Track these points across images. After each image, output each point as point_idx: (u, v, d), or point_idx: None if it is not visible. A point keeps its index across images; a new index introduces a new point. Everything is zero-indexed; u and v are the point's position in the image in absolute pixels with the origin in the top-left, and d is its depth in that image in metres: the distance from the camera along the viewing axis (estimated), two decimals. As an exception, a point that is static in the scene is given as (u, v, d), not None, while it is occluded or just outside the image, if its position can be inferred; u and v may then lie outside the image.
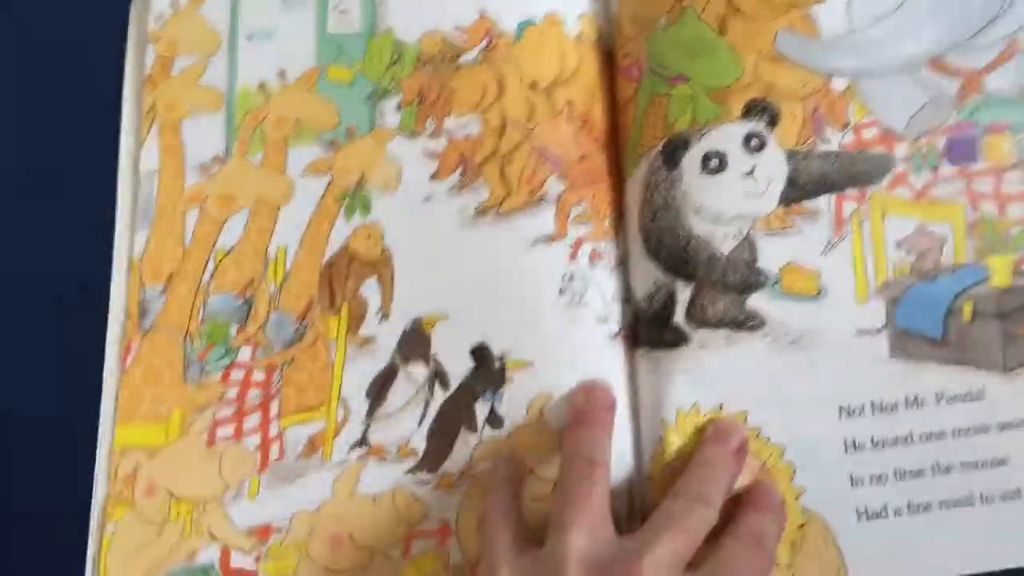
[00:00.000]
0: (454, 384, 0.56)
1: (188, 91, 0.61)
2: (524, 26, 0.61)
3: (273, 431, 0.56)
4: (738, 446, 0.53)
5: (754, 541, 0.50)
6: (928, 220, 0.55)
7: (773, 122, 0.57)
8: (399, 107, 0.60)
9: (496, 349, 0.56)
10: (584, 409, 0.54)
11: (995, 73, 0.56)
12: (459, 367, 0.56)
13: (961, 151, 0.55)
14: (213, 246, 0.59)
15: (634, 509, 0.54)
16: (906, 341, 0.54)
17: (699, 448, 0.53)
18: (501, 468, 0.54)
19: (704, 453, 0.53)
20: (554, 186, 0.58)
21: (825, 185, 0.56)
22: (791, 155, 0.56)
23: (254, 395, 0.57)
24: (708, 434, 0.54)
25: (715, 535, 0.50)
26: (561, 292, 0.56)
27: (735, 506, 0.52)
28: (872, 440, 0.54)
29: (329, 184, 0.59)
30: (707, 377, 0.55)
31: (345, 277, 0.58)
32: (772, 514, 0.52)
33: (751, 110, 0.57)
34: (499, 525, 0.50)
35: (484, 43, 0.61)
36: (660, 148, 0.58)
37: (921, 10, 0.57)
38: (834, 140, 0.56)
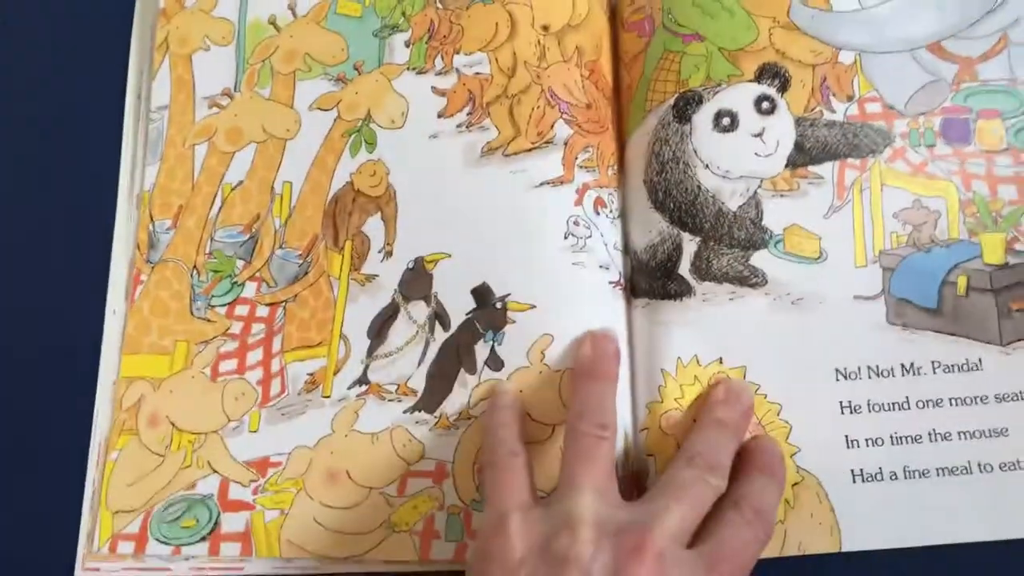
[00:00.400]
0: (455, 325, 0.56)
1: (200, 24, 0.62)
2: (537, -33, 0.61)
3: (275, 367, 0.56)
4: (748, 407, 0.53)
5: (755, 513, 0.49)
6: (924, 195, 0.56)
7: (784, 87, 0.58)
8: (408, 43, 0.60)
9: (498, 290, 0.56)
10: (591, 360, 0.53)
11: (988, 63, 0.58)
12: (460, 307, 0.56)
13: (956, 133, 0.57)
14: (221, 180, 0.59)
15: (628, 459, 0.54)
16: (903, 309, 0.55)
17: (708, 408, 0.53)
18: (502, 410, 0.53)
19: (715, 414, 0.53)
20: (562, 130, 0.58)
21: (829, 153, 0.57)
22: (799, 121, 0.58)
23: (258, 330, 0.57)
24: (718, 394, 0.54)
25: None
26: (566, 236, 0.56)
27: (738, 461, 0.52)
28: (868, 404, 0.54)
29: (336, 119, 0.60)
30: (709, 330, 0.55)
31: (349, 214, 0.58)
32: (774, 478, 0.51)
33: (764, 73, 0.58)
34: (505, 471, 0.50)
35: (499, -19, 0.61)
36: (672, 103, 0.58)
37: None
38: (839, 111, 0.58)
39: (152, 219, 0.59)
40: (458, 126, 0.58)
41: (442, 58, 0.60)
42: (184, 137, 0.60)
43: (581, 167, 0.57)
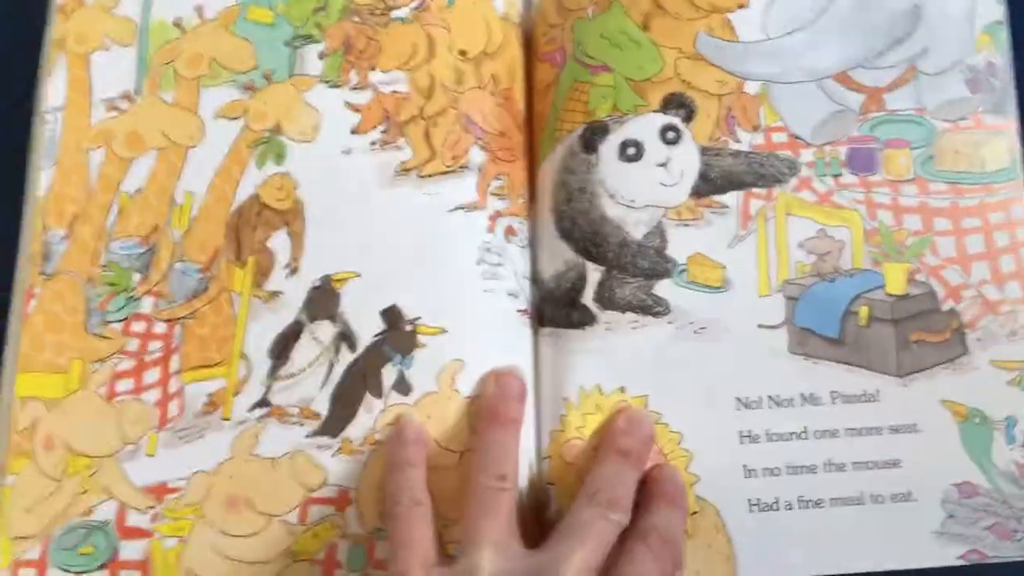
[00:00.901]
0: (361, 346, 0.55)
1: (100, 22, 0.59)
2: (458, -7, 0.60)
3: (173, 387, 0.55)
4: (648, 435, 0.53)
5: (661, 542, 0.50)
6: (829, 224, 0.57)
7: (689, 117, 0.58)
8: (322, 55, 0.58)
9: (408, 313, 0.55)
10: (495, 400, 0.53)
11: (896, 92, 0.59)
12: (368, 329, 0.55)
13: (862, 162, 0.58)
14: (118, 188, 0.57)
15: (532, 487, 0.54)
16: (805, 338, 0.56)
17: (609, 437, 0.53)
18: (407, 447, 0.53)
19: (615, 444, 0.53)
20: (477, 155, 0.57)
21: (734, 182, 0.58)
22: (704, 150, 0.58)
23: (155, 348, 0.55)
24: (619, 423, 0.54)
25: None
26: (478, 262, 0.56)
27: (641, 490, 0.52)
28: (767, 433, 0.55)
29: (243, 128, 0.58)
30: (611, 359, 0.56)
31: (253, 227, 0.56)
32: (677, 508, 0.52)
33: (669, 103, 0.58)
34: (408, 525, 0.50)
35: (417, 2, 0.59)
36: (580, 133, 0.58)
37: (832, 26, 0.60)
38: (745, 140, 0.58)
39: (46, 228, 0.56)
40: (372, 143, 0.57)
41: (357, 73, 0.58)
42: (79, 141, 0.57)
43: (494, 194, 0.57)
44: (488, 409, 0.53)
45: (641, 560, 0.49)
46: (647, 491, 0.52)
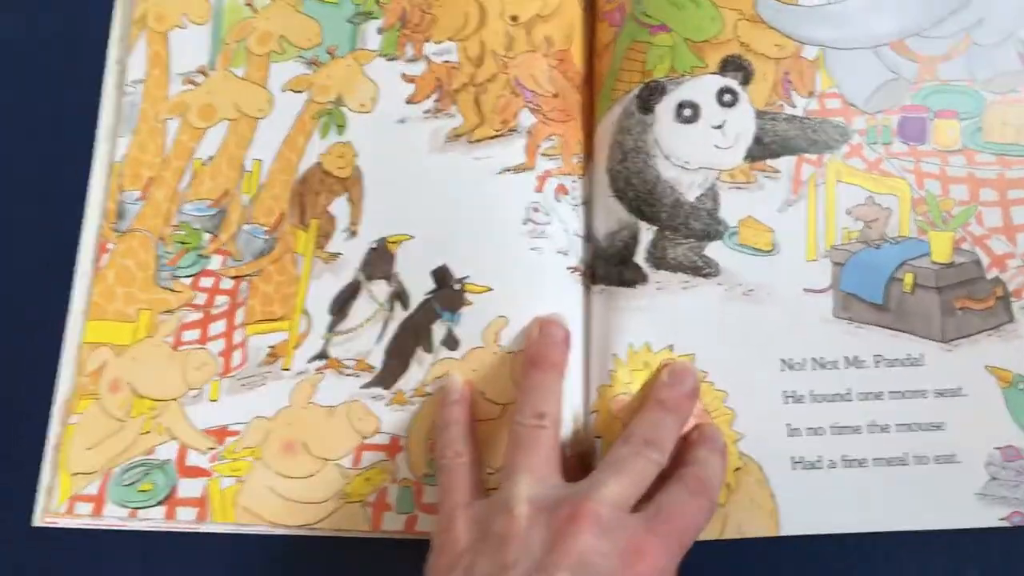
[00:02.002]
0: (414, 304, 0.57)
1: (178, 2, 0.63)
2: (509, -41, 0.62)
3: (237, 338, 0.58)
4: (691, 389, 0.54)
5: (698, 486, 0.51)
6: (877, 192, 0.57)
7: (747, 80, 0.59)
8: (380, 30, 0.61)
9: (457, 272, 0.57)
10: (538, 347, 0.55)
11: (949, 62, 0.59)
12: (420, 288, 0.57)
13: (912, 131, 0.58)
14: (192, 155, 0.60)
15: (579, 440, 0.56)
16: (850, 303, 0.56)
17: (654, 389, 0.55)
18: (452, 407, 0.55)
19: (658, 395, 0.54)
20: (526, 118, 0.59)
21: (788, 147, 0.58)
22: (760, 114, 0.59)
23: (221, 302, 0.58)
24: (663, 376, 0.55)
25: (662, 477, 0.51)
26: (524, 222, 0.57)
27: (682, 445, 0.53)
28: (811, 394, 0.55)
29: (307, 101, 0.61)
30: (661, 317, 0.57)
31: (316, 193, 0.59)
32: (715, 451, 0.53)
33: (727, 66, 0.59)
34: (452, 472, 0.52)
35: (471, -28, 0.62)
36: (636, 93, 0.59)
37: None
38: (800, 105, 0.59)
39: (121, 189, 0.60)
40: (425, 112, 0.60)
41: (412, 46, 0.61)
42: (157, 111, 0.61)
43: (544, 155, 0.59)
44: (531, 354, 0.55)
45: (676, 493, 0.50)
46: (687, 441, 0.54)
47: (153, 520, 0.56)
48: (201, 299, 0.58)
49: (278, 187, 0.60)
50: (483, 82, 0.60)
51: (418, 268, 0.58)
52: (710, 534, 0.53)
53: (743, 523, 0.54)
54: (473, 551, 0.48)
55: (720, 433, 0.54)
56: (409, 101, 0.60)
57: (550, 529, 0.47)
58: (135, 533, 0.56)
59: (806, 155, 0.58)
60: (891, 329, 0.56)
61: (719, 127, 0.58)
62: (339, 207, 0.59)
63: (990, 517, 0.53)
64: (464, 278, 0.57)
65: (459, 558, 0.48)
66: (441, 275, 0.57)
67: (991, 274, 0.56)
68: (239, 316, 0.58)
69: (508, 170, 0.58)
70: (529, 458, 0.51)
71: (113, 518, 0.56)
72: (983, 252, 0.56)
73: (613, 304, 0.57)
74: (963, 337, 0.55)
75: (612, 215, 0.59)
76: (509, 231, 0.57)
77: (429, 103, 0.60)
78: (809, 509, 0.54)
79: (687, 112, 0.58)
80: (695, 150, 0.58)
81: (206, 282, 0.59)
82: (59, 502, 0.56)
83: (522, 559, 0.46)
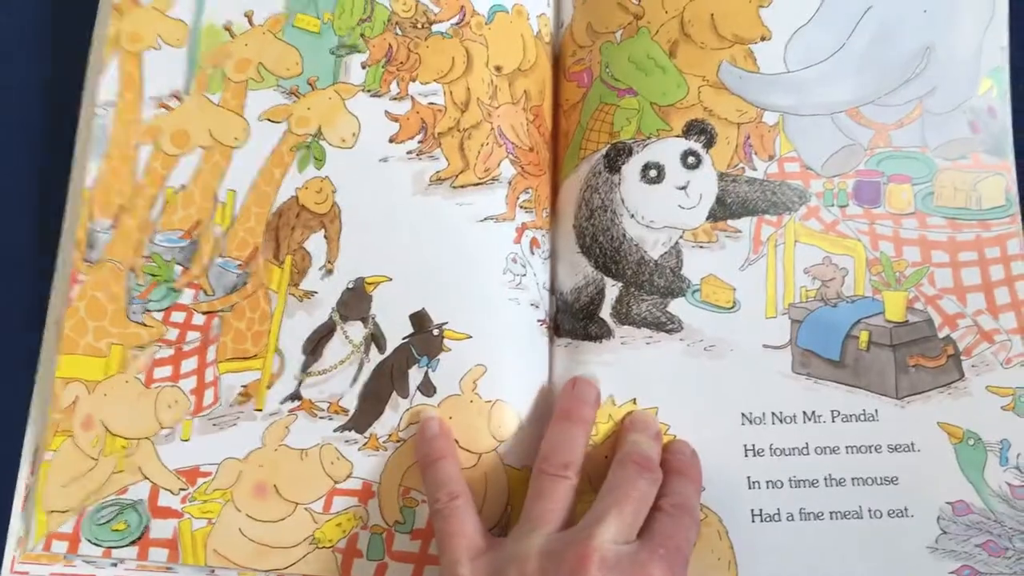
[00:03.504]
0: (390, 347, 0.57)
1: (154, 23, 0.60)
2: (495, 10, 0.62)
3: (209, 376, 0.57)
4: (655, 433, 0.56)
5: (674, 508, 0.53)
6: (834, 252, 0.60)
7: (710, 143, 0.61)
8: (365, 64, 0.60)
9: (436, 317, 0.57)
10: (571, 402, 0.56)
11: (902, 130, 0.61)
12: (397, 331, 0.57)
13: (867, 195, 0.61)
14: (164, 183, 0.59)
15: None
16: (808, 359, 0.58)
17: (623, 435, 0.56)
18: (434, 440, 0.55)
19: (632, 434, 0.56)
20: (507, 169, 0.59)
21: (749, 208, 0.60)
22: (722, 176, 0.60)
23: (193, 338, 0.57)
24: (627, 424, 0.57)
25: None
26: (504, 272, 0.58)
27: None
28: (771, 448, 0.57)
29: (285, 132, 0.60)
30: (625, 372, 0.58)
31: (292, 228, 0.59)
32: (687, 476, 0.55)
33: (691, 129, 0.61)
34: (450, 519, 0.53)
35: (457, 18, 0.61)
36: (604, 153, 0.61)
37: (849, 62, 0.62)
38: (760, 168, 0.61)
39: (92, 217, 0.58)
40: (408, 152, 0.59)
41: (398, 84, 0.60)
42: (129, 136, 0.59)
43: (521, 207, 0.59)
44: (563, 407, 0.56)
45: (662, 520, 0.52)
46: (665, 468, 0.55)
47: (126, 561, 0.55)
48: (172, 334, 0.57)
49: (252, 220, 0.59)
50: (468, 128, 0.60)
51: (395, 311, 0.57)
52: (671, 584, 0.55)
53: (704, 574, 0.56)
54: None
55: (689, 452, 0.56)
56: (392, 140, 0.59)
57: None
58: None
59: (766, 216, 0.60)
60: (847, 385, 0.58)
61: (683, 188, 0.60)
62: (315, 243, 0.58)
63: (941, 570, 0.56)
64: (443, 324, 0.57)
65: None
66: (419, 320, 0.57)
67: (943, 333, 0.58)
68: (211, 353, 0.57)
69: (490, 219, 0.58)
70: (549, 509, 0.52)
71: (87, 557, 0.55)
72: (935, 311, 0.58)
73: (577, 357, 0.59)
74: (916, 394, 0.57)
75: (578, 270, 0.60)
76: (489, 280, 0.58)
77: (413, 143, 0.59)
78: (768, 561, 0.56)
79: (652, 173, 0.60)
80: (660, 210, 0.60)
81: (177, 316, 0.57)
82: (35, 540, 0.55)
83: None
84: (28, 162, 0.63)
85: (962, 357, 0.58)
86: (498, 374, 0.56)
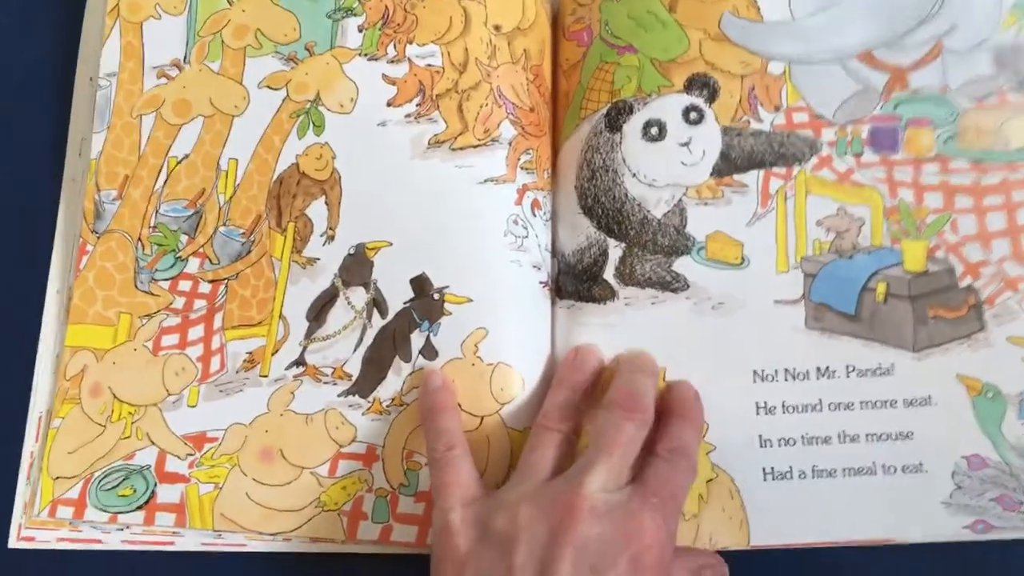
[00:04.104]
0: (392, 312, 0.57)
1: (153, -9, 0.61)
2: (492, -33, 0.61)
3: (215, 343, 0.58)
4: (650, 372, 0.56)
5: (670, 452, 0.52)
6: (848, 202, 0.58)
7: (712, 98, 0.59)
8: (361, 28, 0.60)
9: (436, 281, 0.57)
10: (571, 370, 0.56)
11: (920, 71, 0.59)
12: (398, 296, 0.57)
13: (884, 141, 0.59)
14: (167, 153, 0.59)
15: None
16: (821, 313, 0.57)
17: (617, 372, 0.56)
18: (435, 393, 0.56)
19: (624, 372, 0.56)
20: (507, 130, 0.59)
21: (755, 161, 0.59)
22: (726, 131, 0.59)
23: (199, 306, 0.58)
24: (620, 363, 0.56)
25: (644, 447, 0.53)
26: (505, 234, 0.57)
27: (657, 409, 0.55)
28: (783, 405, 0.56)
29: (284, 99, 0.60)
30: (630, 333, 0.58)
31: (293, 196, 0.59)
32: (687, 419, 0.54)
33: (693, 84, 0.59)
34: (445, 468, 0.53)
35: (454, -24, 0.61)
36: (604, 112, 0.60)
37: (857, 6, 0.60)
38: (767, 120, 0.59)
39: (98, 188, 0.59)
40: (406, 116, 0.59)
41: (395, 46, 0.60)
42: (132, 106, 0.60)
43: (522, 168, 0.59)
44: (562, 375, 0.56)
45: (657, 465, 0.52)
46: (661, 409, 0.55)
47: (132, 527, 0.56)
48: (179, 303, 0.58)
49: (255, 188, 0.59)
50: (467, 89, 0.59)
51: (396, 276, 0.57)
52: (682, 541, 0.54)
53: (714, 534, 0.56)
54: (476, 555, 0.49)
55: (693, 396, 0.56)
56: (390, 104, 0.59)
57: (549, 525, 0.48)
58: (104, 556, 0.58)
59: (774, 168, 0.58)
60: (863, 339, 0.56)
61: (685, 144, 0.59)
62: (316, 210, 0.59)
63: (954, 525, 0.55)
64: (444, 288, 0.57)
65: (463, 564, 0.49)
66: (420, 284, 0.57)
67: (964, 282, 0.56)
68: (217, 321, 0.58)
69: (490, 180, 0.58)
70: (542, 458, 0.53)
71: (93, 523, 0.56)
72: (957, 260, 0.57)
73: (580, 319, 0.58)
74: (934, 346, 0.56)
75: (580, 231, 0.59)
76: (490, 243, 0.57)
77: (410, 107, 0.59)
78: (779, 520, 0.56)
79: (654, 131, 0.59)
80: (662, 167, 0.59)
81: (184, 285, 0.58)
82: (41, 506, 0.56)
83: (528, 561, 0.48)
84: (24, 137, 0.64)
85: (984, 306, 0.56)
86: (500, 337, 0.56)
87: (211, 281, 0.58)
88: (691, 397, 0.56)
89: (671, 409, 0.55)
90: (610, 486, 0.50)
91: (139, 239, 0.59)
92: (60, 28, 0.64)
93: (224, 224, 0.59)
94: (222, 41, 0.60)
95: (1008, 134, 0.57)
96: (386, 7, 0.60)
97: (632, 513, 0.49)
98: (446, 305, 0.57)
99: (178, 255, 0.59)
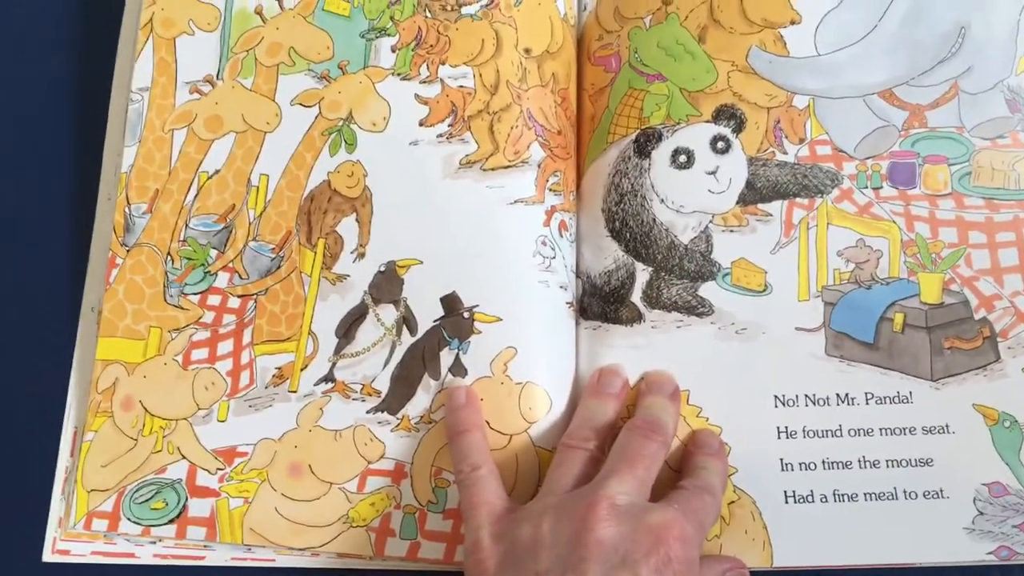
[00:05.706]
0: (422, 330, 0.58)
1: (187, 7, 0.61)
2: (524, -7, 0.62)
3: (245, 358, 0.58)
4: (672, 392, 0.57)
5: (705, 491, 0.53)
6: (867, 234, 0.59)
7: (739, 128, 0.60)
8: (394, 48, 0.61)
9: (467, 300, 0.58)
10: (596, 385, 0.57)
11: (938, 110, 0.61)
12: (428, 314, 0.58)
13: (902, 176, 0.60)
14: (198, 168, 0.60)
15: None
16: (841, 342, 0.58)
17: (639, 399, 0.57)
18: (459, 412, 0.56)
19: (646, 399, 0.56)
20: (537, 152, 0.60)
21: (779, 192, 0.60)
22: (752, 161, 0.60)
23: (229, 321, 0.58)
24: (642, 388, 0.57)
25: (670, 486, 0.54)
26: (534, 254, 0.58)
27: (681, 454, 0.56)
28: (804, 430, 0.57)
29: (317, 117, 0.60)
30: (655, 355, 0.58)
31: (324, 212, 0.59)
32: (713, 457, 0.55)
33: (720, 114, 0.61)
34: (472, 487, 0.54)
35: (486, 0, 0.61)
36: (634, 138, 0.61)
37: (880, 45, 0.61)
38: (791, 152, 0.60)
39: (128, 202, 0.59)
40: (438, 136, 0.60)
41: (427, 67, 0.60)
42: (163, 121, 0.60)
43: (550, 190, 0.60)
44: (586, 392, 0.57)
45: (683, 494, 0.53)
46: (688, 450, 0.56)
47: (165, 539, 0.56)
48: (209, 317, 0.58)
49: (285, 204, 0.59)
50: (498, 111, 0.60)
51: (426, 294, 0.58)
52: (705, 563, 0.56)
53: (737, 555, 0.56)
54: (504, 570, 0.50)
55: (717, 439, 0.56)
56: (422, 123, 0.60)
57: (572, 527, 0.49)
58: (136, 571, 0.58)
59: (797, 199, 0.59)
60: (881, 367, 0.57)
61: (712, 173, 0.60)
62: (347, 227, 0.59)
63: (978, 551, 0.55)
64: (474, 307, 0.57)
65: None
66: (450, 302, 0.58)
67: (979, 315, 0.57)
68: (246, 336, 0.58)
69: (520, 201, 0.59)
70: (567, 474, 0.53)
71: (127, 535, 0.56)
72: (972, 293, 0.58)
73: (605, 340, 0.59)
74: (951, 376, 0.57)
75: (607, 254, 0.60)
76: (520, 263, 0.58)
77: (443, 127, 0.60)
78: (802, 542, 0.56)
79: (682, 158, 0.60)
80: (689, 194, 0.60)
81: (213, 300, 0.59)
82: (76, 518, 0.56)
83: (554, 566, 0.48)
84: (59, 151, 0.64)
85: (998, 339, 0.57)
86: (529, 356, 0.57)
87: (240, 296, 0.59)
88: (716, 446, 0.56)
89: (698, 450, 0.56)
90: (632, 493, 0.51)
91: (168, 253, 0.59)
92: (95, 44, 0.64)
93: (254, 239, 0.59)
94: (255, 58, 0.61)
95: (1020, 173, 0.59)
96: (419, 28, 0.61)
97: (656, 511, 0.50)
98: (476, 324, 0.57)
99: (207, 270, 0.59)
